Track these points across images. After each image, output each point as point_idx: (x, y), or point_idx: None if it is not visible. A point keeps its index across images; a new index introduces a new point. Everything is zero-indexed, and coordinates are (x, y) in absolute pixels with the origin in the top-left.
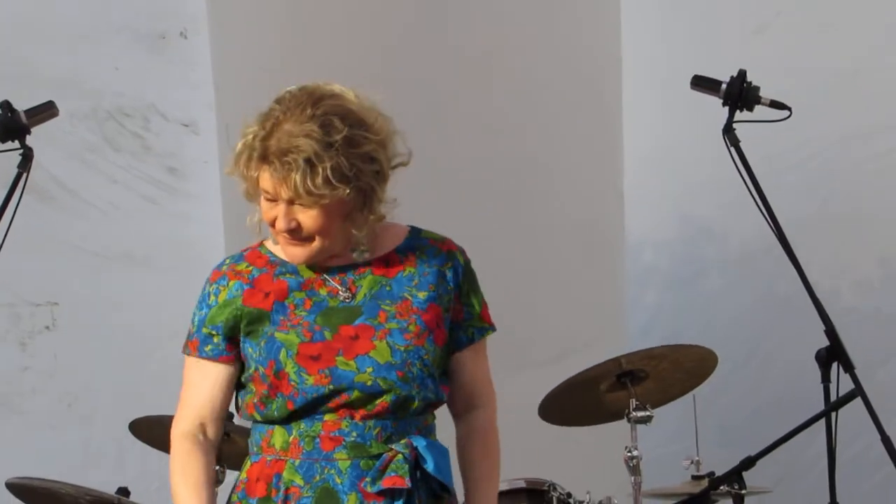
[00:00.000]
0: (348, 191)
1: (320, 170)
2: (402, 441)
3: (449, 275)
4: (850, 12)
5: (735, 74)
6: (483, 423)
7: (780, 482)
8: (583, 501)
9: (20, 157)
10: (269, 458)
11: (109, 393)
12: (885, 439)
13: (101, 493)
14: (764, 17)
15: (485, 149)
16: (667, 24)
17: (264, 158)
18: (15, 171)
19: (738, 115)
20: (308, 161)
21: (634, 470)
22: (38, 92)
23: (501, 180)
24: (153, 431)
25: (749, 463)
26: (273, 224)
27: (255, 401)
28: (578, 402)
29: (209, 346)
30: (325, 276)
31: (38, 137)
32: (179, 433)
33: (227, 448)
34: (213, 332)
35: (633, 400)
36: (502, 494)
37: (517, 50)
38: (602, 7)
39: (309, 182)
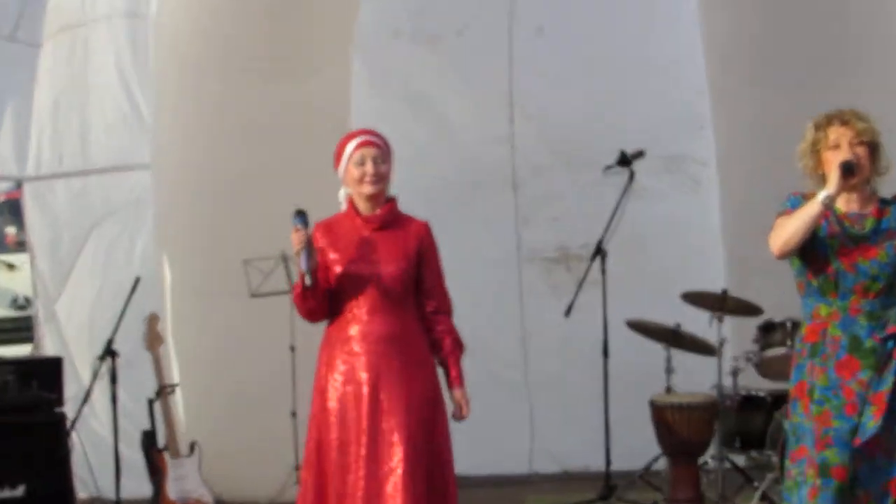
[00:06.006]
0: (880, 134)
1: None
2: (893, 310)
3: None
4: None
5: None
6: None
7: None
8: None
9: (628, 175)
10: (817, 321)
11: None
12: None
13: (667, 326)
14: None
15: None
16: None
17: (838, 119)
18: (624, 183)
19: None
20: (864, 116)
21: None
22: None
23: None
24: (696, 298)
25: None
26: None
27: (812, 279)
28: None
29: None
30: (848, 215)
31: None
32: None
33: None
34: None
35: None
36: None
37: None
38: None
39: (866, 122)
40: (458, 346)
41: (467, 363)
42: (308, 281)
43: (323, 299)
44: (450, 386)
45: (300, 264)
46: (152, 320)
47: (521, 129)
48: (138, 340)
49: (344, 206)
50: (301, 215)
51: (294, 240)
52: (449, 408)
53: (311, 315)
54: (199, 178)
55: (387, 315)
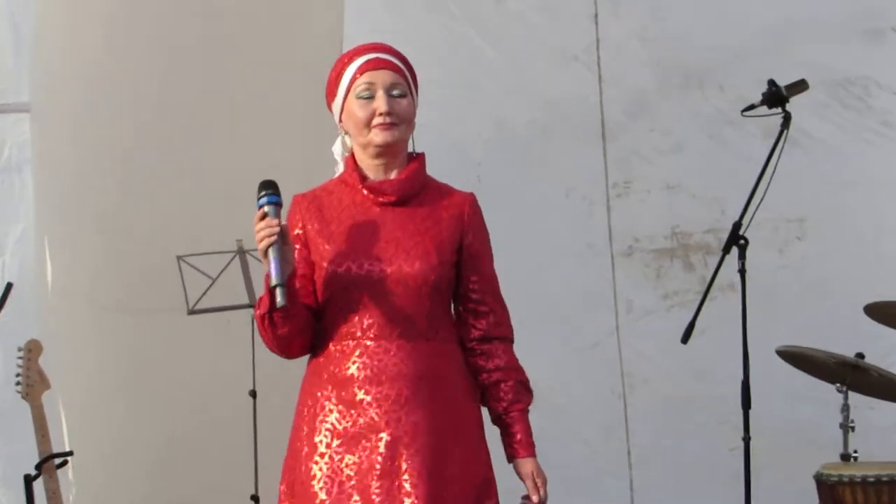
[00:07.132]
0: None
1: None
2: None
3: None
4: None
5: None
6: None
7: None
8: None
9: (782, 119)
10: None
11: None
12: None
13: (843, 357)
14: None
15: None
16: None
17: None
18: (778, 128)
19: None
20: None
21: None
22: (793, 72)
23: None
24: (888, 311)
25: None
26: None
27: None
28: None
29: None
30: None
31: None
32: None
33: None
34: None
35: None
36: None
37: None
38: None
39: None
40: (525, 392)
41: (535, 419)
42: (280, 299)
43: (303, 323)
44: (513, 455)
45: (268, 270)
46: (32, 351)
47: (611, 42)
48: (10, 383)
49: (340, 168)
50: (268, 189)
51: (258, 230)
52: (508, 488)
53: (285, 347)
54: (109, 128)
55: (409, 341)
